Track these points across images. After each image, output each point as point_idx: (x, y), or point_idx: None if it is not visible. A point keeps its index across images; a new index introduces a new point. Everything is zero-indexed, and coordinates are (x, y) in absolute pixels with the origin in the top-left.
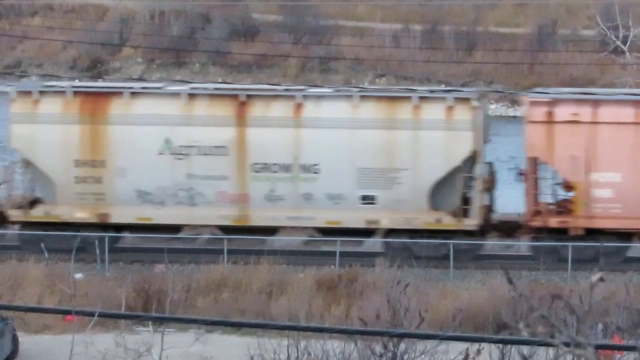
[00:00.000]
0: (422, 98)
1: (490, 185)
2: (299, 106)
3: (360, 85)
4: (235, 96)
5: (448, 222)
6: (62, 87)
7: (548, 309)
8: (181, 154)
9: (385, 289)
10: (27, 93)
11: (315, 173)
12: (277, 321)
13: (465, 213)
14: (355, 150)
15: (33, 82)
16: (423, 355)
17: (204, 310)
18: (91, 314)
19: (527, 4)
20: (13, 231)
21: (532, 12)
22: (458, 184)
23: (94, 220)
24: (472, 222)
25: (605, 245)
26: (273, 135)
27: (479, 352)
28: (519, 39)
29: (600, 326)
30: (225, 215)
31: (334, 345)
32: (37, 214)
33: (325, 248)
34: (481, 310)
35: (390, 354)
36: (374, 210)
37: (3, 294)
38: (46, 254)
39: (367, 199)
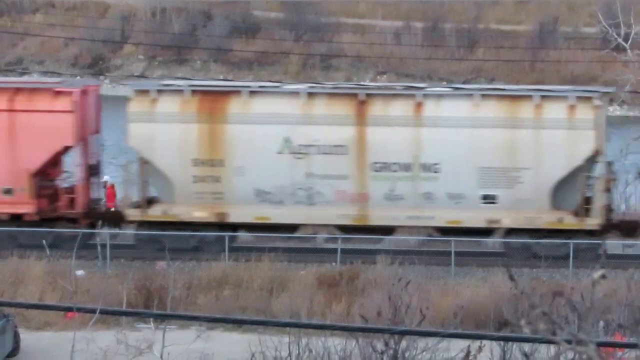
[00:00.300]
0: (544, 97)
1: (610, 185)
2: (419, 105)
3: (362, 83)
4: (354, 95)
5: (570, 221)
6: (179, 85)
7: (549, 306)
8: (300, 153)
9: (387, 286)
10: (144, 92)
11: (435, 172)
12: (278, 318)
13: (586, 212)
14: (476, 150)
15: (151, 81)
16: (424, 353)
17: (205, 308)
18: (92, 311)
19: (529, 1)
20: (131, 231)
21: (533, 10)
22: (579, 183)
23: (212, 219)
24: (594, 222)
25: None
26: (393, 135)
27: (480, 349)
28: (520, 36)
29: (601, 323)
30: (345, 214)
31: (335, 342)
32: (155, 213)
33: (327, 245)
34: (482, 307)
35: (391, 351)
36: (495, 210)
37: (5, 291)
38: (47, 251)
39: (488, 199)
